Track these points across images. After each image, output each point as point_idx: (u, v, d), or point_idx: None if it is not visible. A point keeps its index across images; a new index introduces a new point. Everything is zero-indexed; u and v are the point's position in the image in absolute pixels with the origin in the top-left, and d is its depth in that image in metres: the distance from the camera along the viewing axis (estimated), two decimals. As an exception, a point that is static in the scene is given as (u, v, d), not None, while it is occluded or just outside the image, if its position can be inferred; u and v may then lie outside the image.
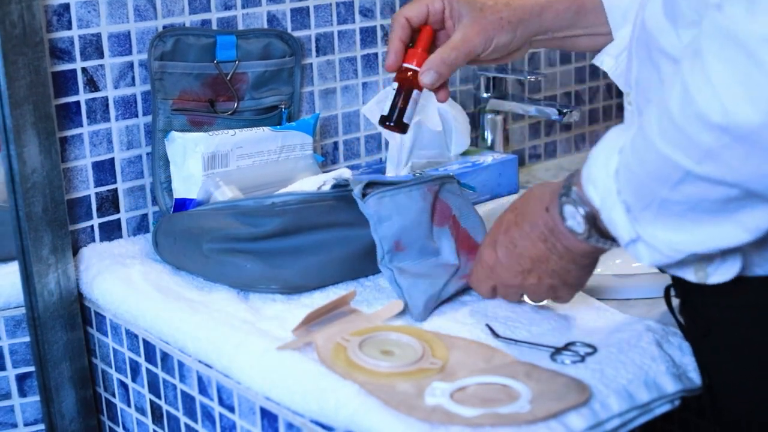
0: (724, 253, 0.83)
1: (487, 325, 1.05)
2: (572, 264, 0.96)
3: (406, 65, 1.09)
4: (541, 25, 1.10)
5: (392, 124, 1.08)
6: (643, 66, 0.91)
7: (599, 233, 0.89)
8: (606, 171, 0.83)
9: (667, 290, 0.99)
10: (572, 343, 1.00)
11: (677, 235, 0.80)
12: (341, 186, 1.20)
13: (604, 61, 1.11)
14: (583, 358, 0.97)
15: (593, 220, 0.88)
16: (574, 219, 0.90)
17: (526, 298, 1.07)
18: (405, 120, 1.07)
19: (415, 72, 1.08)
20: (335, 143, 1.54)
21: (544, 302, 1.08)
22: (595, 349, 0.99)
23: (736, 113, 0.69)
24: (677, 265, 0.85)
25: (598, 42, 1.13)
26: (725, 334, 0.88)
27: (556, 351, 0.98)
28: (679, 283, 0.95)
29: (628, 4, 1.09)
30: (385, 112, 1.07)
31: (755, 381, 0.87)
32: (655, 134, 0.76)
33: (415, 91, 1.07)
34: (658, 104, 0.76)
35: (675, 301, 1.00)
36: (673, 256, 0.82)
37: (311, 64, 1.48)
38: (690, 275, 0.86)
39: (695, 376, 0.98)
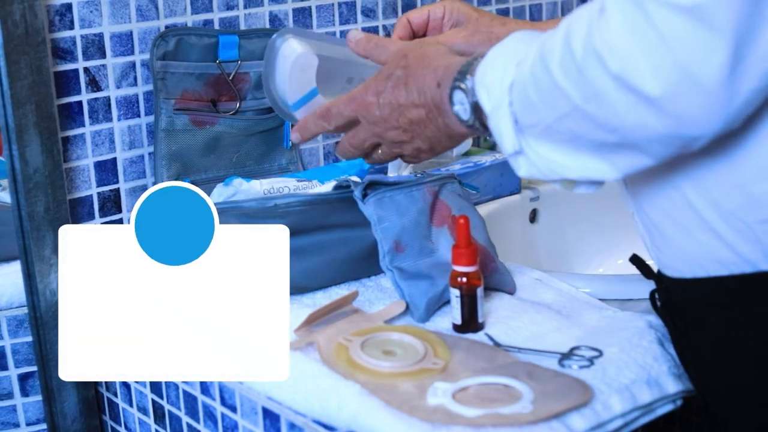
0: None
1: (487, 335, 1.05)
2: (446, 137, 0.96)
3: (456, 268, 1.06)
4: None
5: (471, 330, 1.07)
6: None
7: (482, 125, 0.89)
8: (501, 82, 0.84)
9: (652, 294, 0.98)
10: (577, 348, 1.00)
11: (556, 157, 0.82)
12: (343, 187, 1.20)
13: None
14: (591, 362, 0.97)
15: (480, 113, 0.88)
16: (462, 106, 0.89)
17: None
18: (479, 321, 1.07)
19: (470, 274, 1.05)
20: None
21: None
22: (600, 353, 0.99)
23: (633, 73, 0.71)
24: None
25: None
26: (702, 335, 0.89)
27: (564, 356, 0.98)
28: (660, 287, 0.95)
29: None
30: (458, 321, 1.06)
31: (732, 380, 0.87)
32: (555, 62, 0.77)
33: (478, 289, 1.06)
34: (564, 34, 0.77)
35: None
36: (548, 176, 0.84)
37: (313, 64, 1.48)
38: (557, 184, 0.87)
39: (697, 377, 0.98)
